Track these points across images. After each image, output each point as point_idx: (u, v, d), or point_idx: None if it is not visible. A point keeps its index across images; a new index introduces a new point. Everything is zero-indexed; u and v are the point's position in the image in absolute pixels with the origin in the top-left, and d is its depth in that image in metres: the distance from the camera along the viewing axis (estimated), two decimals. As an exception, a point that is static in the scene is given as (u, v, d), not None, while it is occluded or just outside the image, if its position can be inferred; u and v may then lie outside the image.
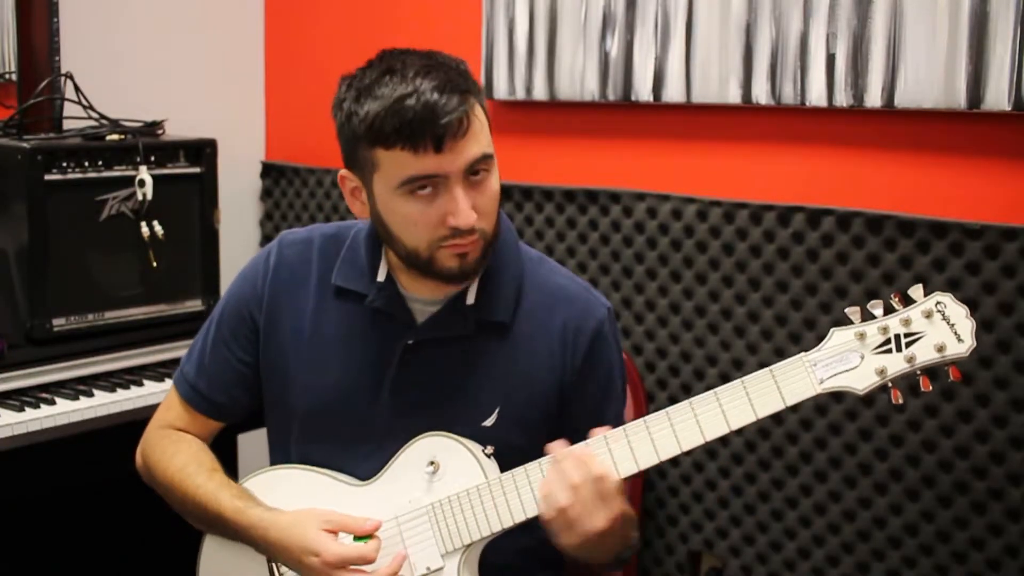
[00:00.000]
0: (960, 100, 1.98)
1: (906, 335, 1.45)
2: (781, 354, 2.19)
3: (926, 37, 2.00)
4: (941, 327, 1.44)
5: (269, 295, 1.73)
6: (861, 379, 1.46)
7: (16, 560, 2.33)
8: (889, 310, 1.47)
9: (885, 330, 1.46)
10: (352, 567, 1.53)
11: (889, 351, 1.45)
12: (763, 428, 2.22)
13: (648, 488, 2.35)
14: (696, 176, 2.32)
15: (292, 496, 1.67)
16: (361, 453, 1.66)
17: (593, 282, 2.42)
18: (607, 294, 2.41)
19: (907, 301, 1.46)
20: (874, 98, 2.06)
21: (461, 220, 1.52)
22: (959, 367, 1.46)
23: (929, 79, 2.00)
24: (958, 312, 1.44)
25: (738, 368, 2.25)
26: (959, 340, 1.44)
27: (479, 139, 1.54)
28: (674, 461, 2.34)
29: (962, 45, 1.96)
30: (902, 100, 2.03)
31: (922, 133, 2.07)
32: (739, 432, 2.24)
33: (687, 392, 2.32)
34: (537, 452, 1.64)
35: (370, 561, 1.53)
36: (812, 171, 2.20)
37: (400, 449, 1.61)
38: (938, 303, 1.45)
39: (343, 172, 1.64)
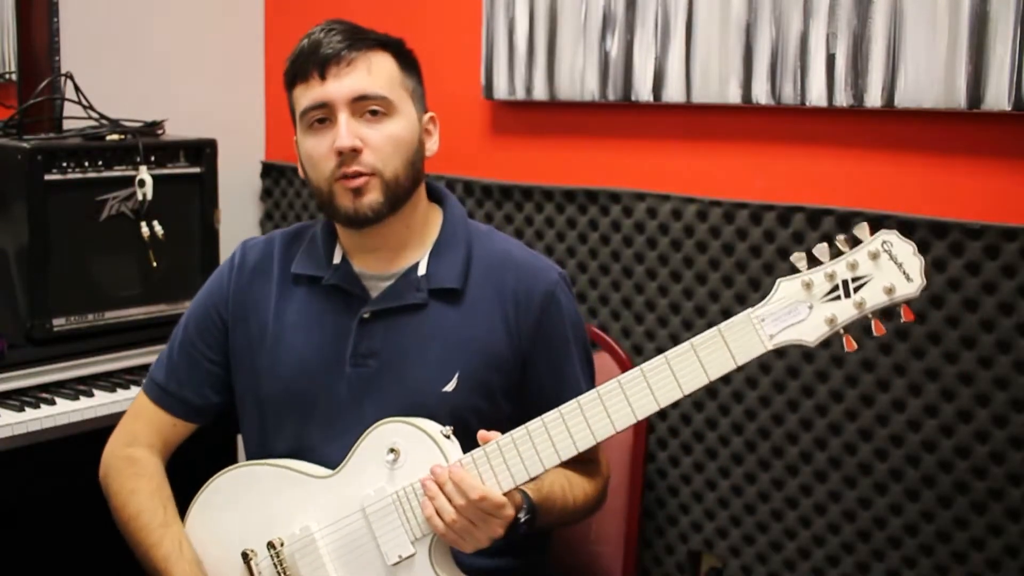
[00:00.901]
0: (960, 100, 1.97)
1: (854, 279, 1.41)
2: (781, 354, 2.20)
3: (926, 37, 2.00)
4: (888, 268, 1.40)
5: (234, 293, 1.79)
6: (811, 331, 1.43)
7: (16, 560, 2.33)
8: (836, 254, 1.43)
9: (832, 276, 1.42)
10: None
11: (837, 298, 1.42)
12: (763, 428, 2.22)
13: (648, 488, 2.35)
14: (696, 176, 2.32)
15: (258, 497, 1.69)
16: (331, 432, 1.69)
17: (592, 282, 2.43)
18: (607, 294, 2.41)
19: (854, 243, 1.42)
20: (874, 98, 2.06)
21: (339, 142, 1.62)
22: (912, 307, 1.42)
23: (929, 79, 2.00)
24: (905, 250, 1.40)
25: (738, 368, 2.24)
26: (908, 280, 1.40)
27: (373, 78, 1.66)
28: (674, 461, 2.34)
29: (962, 45, 1.96)
30: (902, 100, 2.03)
31: (922, 133, 2.07)
32: (739, 431, 2.25)
33: (687, 392, 2.32)
34: (502, 416, 1.70)
35: None
36: (812, 171, 2.19)
37: (359, 439, 1.63)
38: (884, 242, 1.41)
39: (295, 138, 1.75)
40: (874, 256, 1.41)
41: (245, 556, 1.67)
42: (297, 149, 1.73)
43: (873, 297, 1.41)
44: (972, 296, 1.99)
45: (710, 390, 2.29)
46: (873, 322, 1.43)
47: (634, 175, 2.40)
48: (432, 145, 1.76)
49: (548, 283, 1.73)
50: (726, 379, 2.27)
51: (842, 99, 2.10)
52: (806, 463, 2.19)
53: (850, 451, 2.13)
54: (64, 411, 2.14)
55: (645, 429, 2.23)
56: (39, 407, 2.13)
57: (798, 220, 2.16)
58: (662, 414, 2.35)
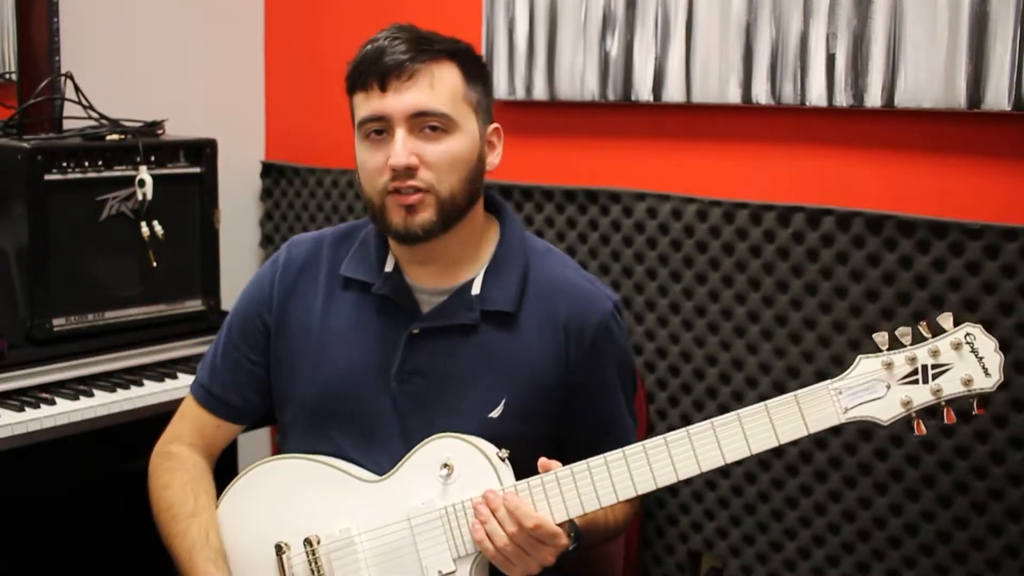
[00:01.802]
0: (960, 100, 1.98)
1: (934, 366, 1.44)
2: (781, 354, 2.20)
3: (926, 37, 2.00)
4: (969, 359, 1.43)
5: (279, 295, 1.75)
6: (886, 410, 1.45)
7: (16, 560, 2.33)
8: (917, 338, 1.45)
9: (913, 360, 1.44)
10: None
11: (915, 382, 1.44)
12: (763, 428, 2.22)
13: (648, 488, 2.35)
14: (696, 176, 2.32)
15: (299, 491, 1.67)
16: (369, 444, 1.67)
17: (593, 282, 2.43)
18: (607, 294, 2.41)
19: (936, 330, 1.44)
20: (874, 98, 2.06)
21: (394, 159, 1.57)
22: (983, 404, 1.44)
23: (929, 79, 2.00)
24: (987, 345, 1.43)
25: (738, 368, 2.25)
26: (987, 374, 1.43)
27: (435, 93, 1.60)
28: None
29: (962, 45, 1.96)
30: (902, 100, 2.03)
31: (922, 133, 2.07)
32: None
33: (687, 392, 2.32)
34: (542, 440, 1.67)
35: None
36: (812, 171, 2.20)
37: (413, 448, 1.61)
38: (967, 334, 1.43)
39: None
40: (956, 346, 1.44)
41: (279, 549, 1.65)
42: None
43: (950, 386, 1.43)
44: (972, 296, 1.99)
45: (710, 389, 2.29)
46: (945, 410, 1.45)
47: (634, 175, 2.40)
48: (494, 159, 1.70)
49: (602, 313, 1.69)
50: (726, 377, 2.27)
51: (842, 99, 2.10)
52: (806, 463, 2.19)
53: (850, 451, 2.13)
54: (64, 411, 2.13)
55: (645, 429, 2.23)
56: (39, 407, 2.12)
57: (798, 220, 2.16)
58: (661, 413, 2.35)
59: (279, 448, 1.81)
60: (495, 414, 1.64)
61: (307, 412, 1.72)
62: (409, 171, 1.58)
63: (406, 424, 1.65)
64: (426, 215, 1.59)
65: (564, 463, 1.56)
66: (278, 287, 1.75)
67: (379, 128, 1.60)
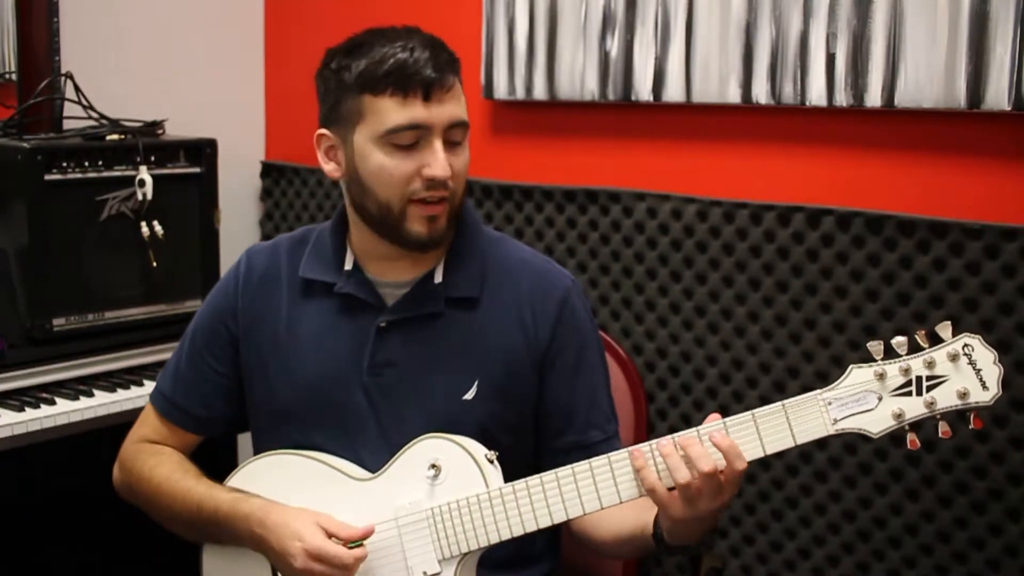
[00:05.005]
0: (960, 100, 1.98)
1: (928, 378, 1.39)
2: (781, 354, 2.20)
3: (926, 37, 2.00)
4: (966, 371, 1.38)
5: (243, 303, 1.75)
6: (876, 422, 1.41)
7: (16, 560, 2.33)
8: (914, 347, 1.40)
9: (907, 371, 1.40)
10: (325, 564, 1.52)
11: (909, 394, 1.40)
12: (763, 428, 2.22)
13: (648, 488, 2.35)
14: (696, 176, 2.32)
15: (294, 486, 1.67)
16: (348, 442, 1.68)
17: (592, 282, 2.43)
18: (607, 294, 2.41)
19: (934, 340, 1.40)
20: (874, 98, 2.06)
21: (438, 169, 1.57)
22: (982, 417, 1.39)
23: (929, 79, 2.00)
24: (986, 356, 1.38)
25: (738, 368, 2.25)
26: (984, 387, 1.38)
27: (461, 105, 1.63)
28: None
29: (962, 45, 1.96)
30: (902, 100, 2.03)
31: (922, 133, 2.07)
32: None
33: (687, 392, 2.32)
34: (526, 424, 1.69)
35: (345, 565, 1.52)
36: (812, 171, 2.20)
37: (403, 447, 1.62)
38: (965, 345, 1.38)
39: (320, 131, 1.67)
40: (953, 358, 1.39)
41: None
42: (346, 155, 1.63)
43: (945, 399, 1.39)
44: (972, 296, 1.99)
45: (710, 389, 2.29)
46: (940, 424, 1.40)
47: (634, 175, 2.40)
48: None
49: (563, 289, 1.71)
50: (726, 377, 2.27)
51: (842, 99, 2.10)
52: (806, 463, 2.19)
53: (850, 451, 2.13)
54: (64, 411, 2.14)
55: (645, 428, 2.23)
56: (39, 407, 2.13)
57: (798, 220, 2.16)
58: (661, 413, 2.35)
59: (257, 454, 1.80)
60: (468, 396, 1.65)
61: (283, 417, 1.72)
62: (445, 182, 1.59)
63: (382, 416, 1.66)
64: (442, 222, 1.62)
65: (544, 448, 1.64)
66: (241, 296, 1.75)
67: (414, 137, 1.58)
